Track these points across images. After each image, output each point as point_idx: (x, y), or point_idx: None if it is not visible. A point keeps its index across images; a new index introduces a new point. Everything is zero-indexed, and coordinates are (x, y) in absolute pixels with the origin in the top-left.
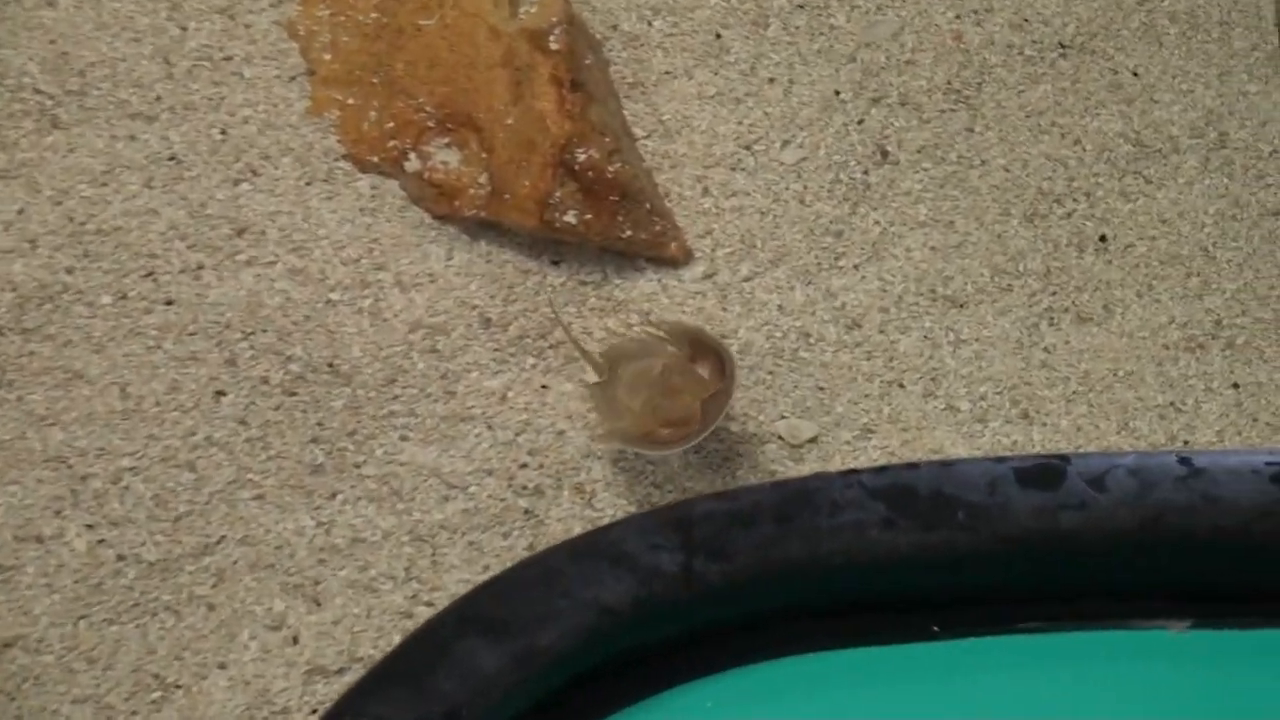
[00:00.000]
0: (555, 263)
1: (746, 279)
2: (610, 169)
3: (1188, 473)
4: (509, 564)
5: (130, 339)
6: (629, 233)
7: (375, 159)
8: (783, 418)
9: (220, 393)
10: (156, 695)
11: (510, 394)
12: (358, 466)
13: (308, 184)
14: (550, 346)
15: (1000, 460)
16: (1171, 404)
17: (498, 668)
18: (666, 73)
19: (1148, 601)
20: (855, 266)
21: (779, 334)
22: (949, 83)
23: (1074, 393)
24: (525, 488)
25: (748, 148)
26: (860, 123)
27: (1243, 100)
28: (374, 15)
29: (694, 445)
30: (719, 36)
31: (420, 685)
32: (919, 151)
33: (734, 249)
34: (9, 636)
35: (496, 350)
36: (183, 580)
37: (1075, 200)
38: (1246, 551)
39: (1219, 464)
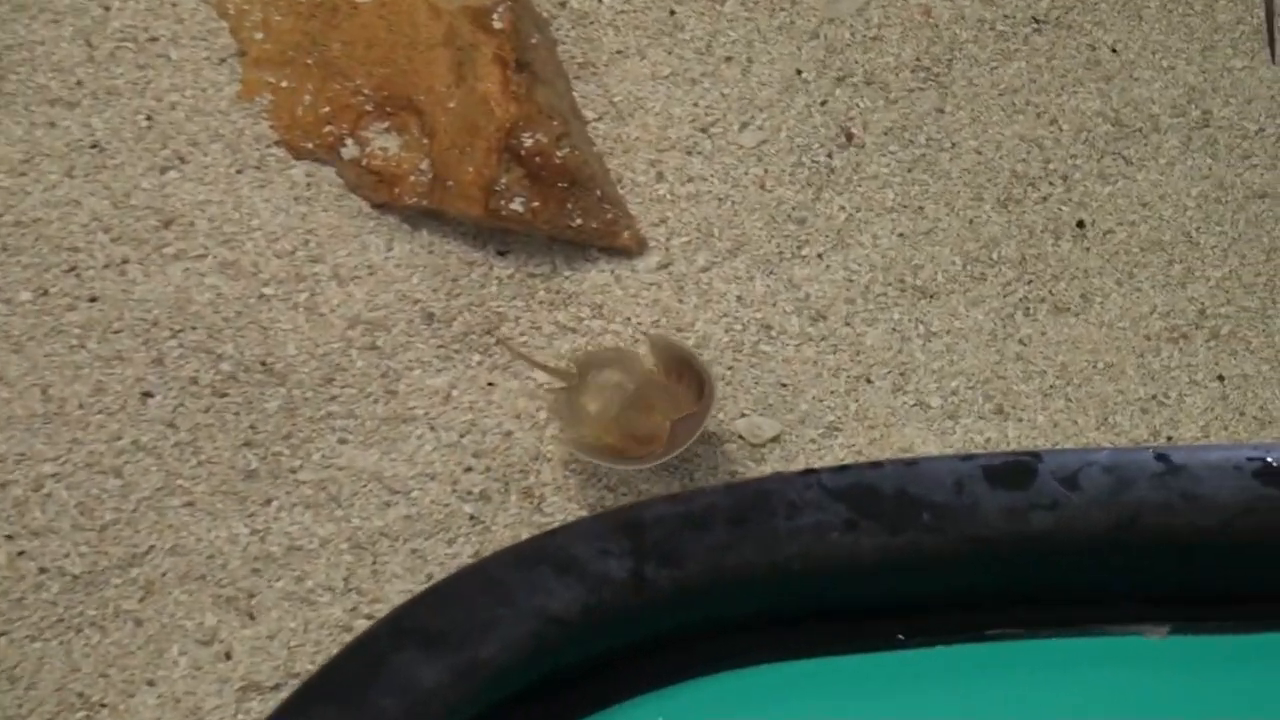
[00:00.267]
0: (501, 253)
1: (704, 269)
2: (559, 154)
3: (1165, 469)
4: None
5: (52, 338)
6: (579, 221)
7: (310, 145)
8: (743, 415)
9: (147, 394)
10: (81, 715)
11: (455, 393)
12: (293, 471)
13: (239, 172)
14: (497, 343)
15: (968, 458)
16: (1154, 397)
17: (437, 682)
18: (618, 52)
19: (1124, 606)
20: (819, 255)
21: (738, 327)
22: (917, 60)
23: (1051, 387)
24: (471, 492)
25: (704, 130)
26: (823, 103)
27: (1227, 77)
28: None
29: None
30: (673, 13)
31: (354, 701)
32: (886, 133)
33: (690, 238)
34: None
35: (440, 346)
36: (109, 594)
37: (1051, 184)
38: (1228, 552)
39: (1199, 460)
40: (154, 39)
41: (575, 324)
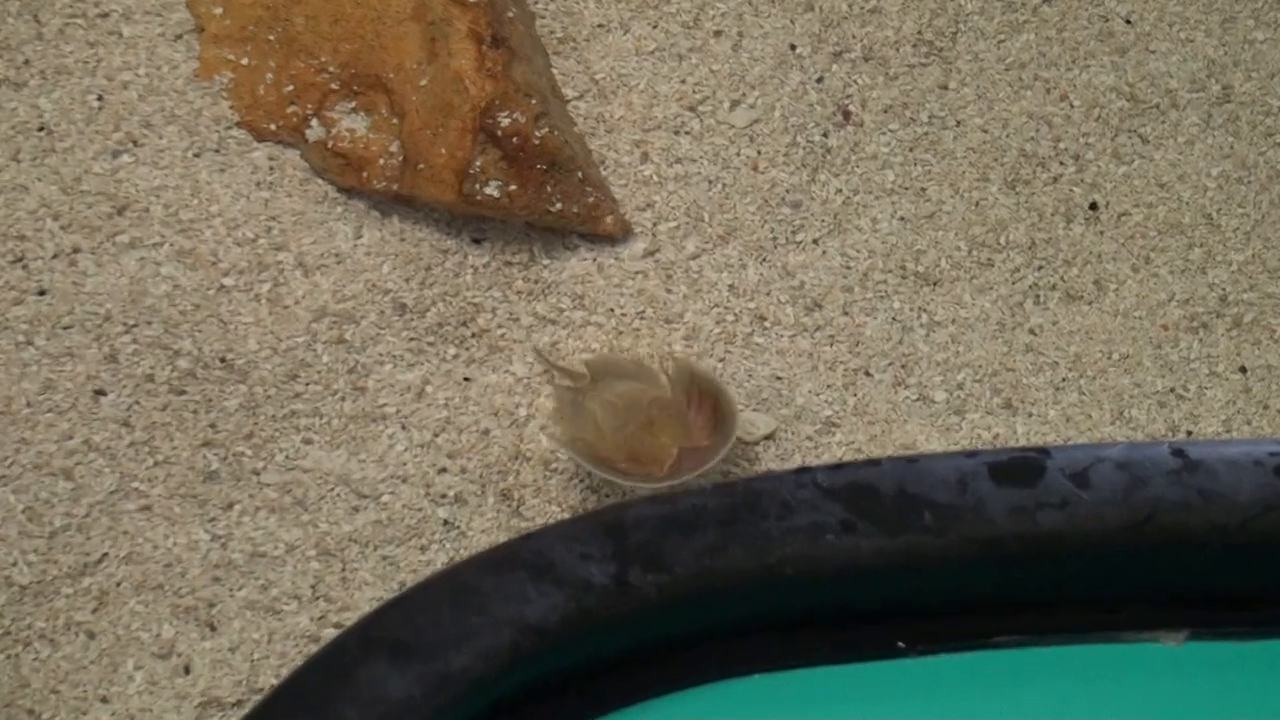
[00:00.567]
0: (477, 241)
1: (693, 256)
2: (537, 134)
3: (1182, 465)
4: None
5: None
6: (559, 206)
7: (273, 126)
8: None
9: (100, 392)
10: None
11: (428, 389)
12: (256, 473)
13: (196, 155)
14: (473, 335)
15: (971, 455)
16: (1172, 390)
17: (406, 695)
18: (599, 26)
19: (1139, 610)
20: (815, 241)
21: (730, 317)
22: (919, 33)
23: (1063, 379)
24: (445, 495)
25: (693, 109)
26: (819, 80)
27: (1248, 49)
28: None
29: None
30: None
31: (318, 716)
32: (886, 111)
33: (678, 223)
34: None
35: (412, 339)
36: (59, 604)
37: (1062, 163)
38: (1248, 552)
39: (1217, 455)
40: (105, 14)
41: (555, 315)
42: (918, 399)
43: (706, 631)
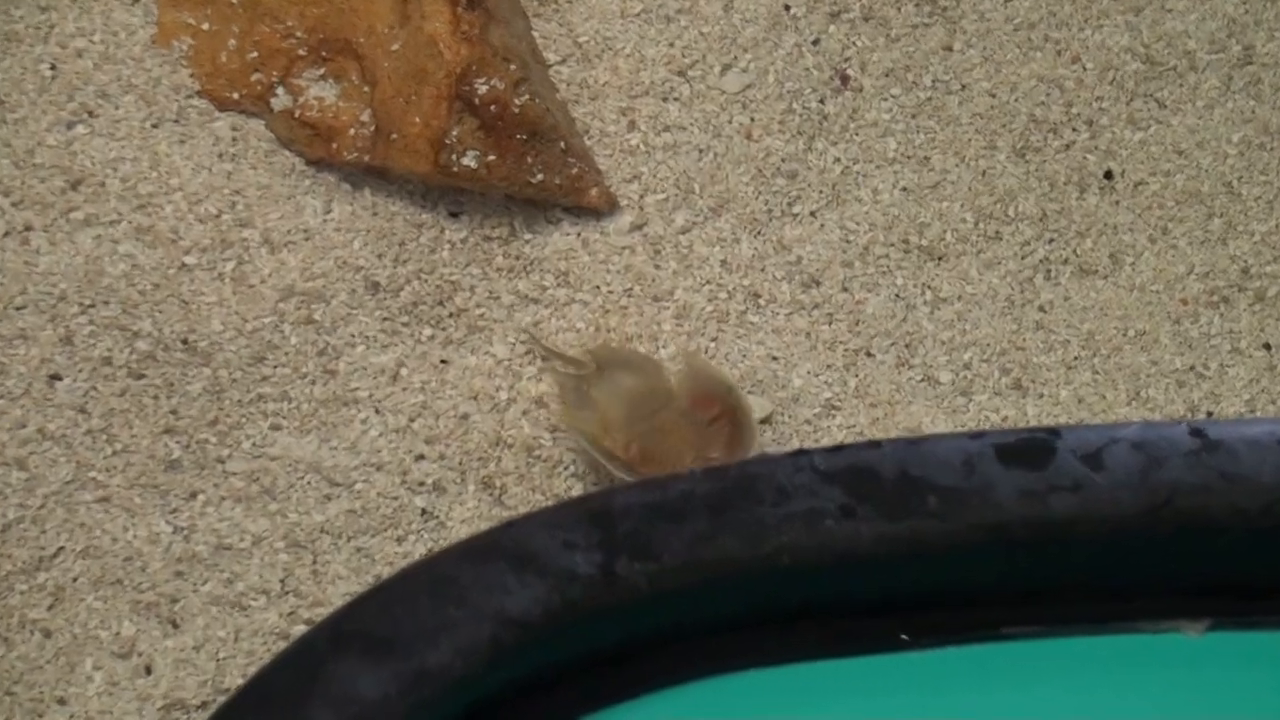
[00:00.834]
0: (454, 214)
1: (683, 230)
2: (516, 102)
3: (1201, 446)
4: None
5: None
6: (540, 177)
7: (236, 95)
8: None
9: (55, 376)
10: None
11: (403, 371)
12: (221, 461)
13: (155, 126)
14: (450, 315)
15: (978, 435)
16: (1192, 368)
17: (381, 694)
18: None
19: (1158, 599)
20: (812, 213)
21: (723, 295)
22: None
23: (1075, 358)
24: (423, 483)
25: (681, 74)
26: (816, 42)
27: (1271, 7)
28: None
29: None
30: None
31: (288, 715)
32: (886, 75)
33: (667, 195)
34: None
35: (386, 319)
36: (13, 602)
37: (1074, 130)
38: (1272, 537)
39: (1238, 435)
40: None
41: (538, 293)
42: (922, 380)
43: (699, 624)
